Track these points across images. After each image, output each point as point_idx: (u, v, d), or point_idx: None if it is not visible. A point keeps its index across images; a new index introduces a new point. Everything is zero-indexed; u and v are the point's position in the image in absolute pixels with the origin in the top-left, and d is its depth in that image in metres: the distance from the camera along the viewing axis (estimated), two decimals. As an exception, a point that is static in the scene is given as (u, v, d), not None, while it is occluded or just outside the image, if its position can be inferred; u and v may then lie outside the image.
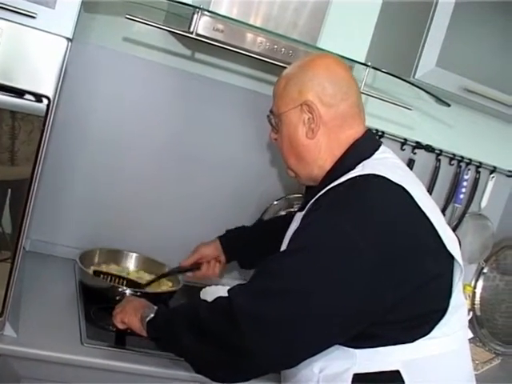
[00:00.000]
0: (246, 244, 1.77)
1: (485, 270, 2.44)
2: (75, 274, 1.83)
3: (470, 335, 1.37)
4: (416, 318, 1.20)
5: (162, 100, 1.97)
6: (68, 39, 1.47)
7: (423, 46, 1.81)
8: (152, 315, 1.37)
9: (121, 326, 1.47)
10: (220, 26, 1.57)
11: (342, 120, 1.32)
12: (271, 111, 1.41)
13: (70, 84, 1.83)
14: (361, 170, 1.24)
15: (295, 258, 1.18)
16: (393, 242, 1.16)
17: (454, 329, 1.25)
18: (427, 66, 1.83)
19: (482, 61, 1.90)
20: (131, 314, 1.44)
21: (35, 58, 1.31)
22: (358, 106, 1.35)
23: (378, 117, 2.17)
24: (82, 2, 1.50)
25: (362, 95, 1.44)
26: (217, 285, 1.98)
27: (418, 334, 1.20)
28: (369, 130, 1.37)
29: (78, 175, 1.95)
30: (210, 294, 1.88)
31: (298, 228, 1.27)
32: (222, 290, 1.86)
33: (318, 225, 1.20)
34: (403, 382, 1.19)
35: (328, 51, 1.62)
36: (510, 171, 2.43)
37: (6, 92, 1.27)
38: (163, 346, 1.38)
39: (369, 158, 1.29)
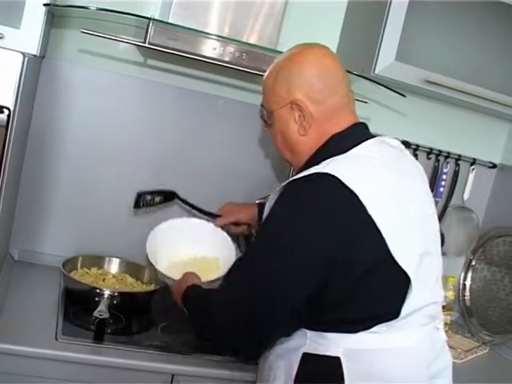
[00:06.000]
0: None
1: (473, 263, 2.46)
2: (60, 281, 1.91)
3: (443, 338, 1.39)
4: (358, 320, 1.26)
5: (133, 108, 2.08)
6: (34, 55, 1.60)
7: (381, 41, 1.87)
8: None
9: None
10: (176, 35, 1.67)
11: (332, 113, 1.34)
12: (262, 105, 1.43)
13: (43, 99, 1.96)
14: (323, 166, 1.25)
15: (249, 265, 1.31)
16: (328, 244, 1.21)
17: (403, 327, 1.27)
18: (386, 60, 1.88)
19: (442, 52, 1.95)
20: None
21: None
22: (348, 96, 1.37)
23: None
24: (46, 21, 1.63)
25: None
26: None
27: (360, 327, 1.26)
28: (356, 124, 1.38)
29: (59, 187, 2.05)
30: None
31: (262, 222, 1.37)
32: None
33: (270, 223, 1.30)
34: (341, 368, 1.25)
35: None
36: (491, 163, 2.46)
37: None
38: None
39: (341, 154, 1.29)
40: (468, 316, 2.41)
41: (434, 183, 2.37)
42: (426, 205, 1.39)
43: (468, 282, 2.46)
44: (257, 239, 1.33)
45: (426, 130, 2.37)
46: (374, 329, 1.25)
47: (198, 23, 1.74)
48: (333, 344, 1.27)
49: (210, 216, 1.95)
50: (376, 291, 1.24)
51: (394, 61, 1.89)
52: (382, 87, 1.83)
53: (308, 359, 1.29)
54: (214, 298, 1.34)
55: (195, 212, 1.99)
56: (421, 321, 1.31)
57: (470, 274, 2.46)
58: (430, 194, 1.45)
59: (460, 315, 2.45)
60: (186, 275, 1.62)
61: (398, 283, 1.24)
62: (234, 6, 1.80)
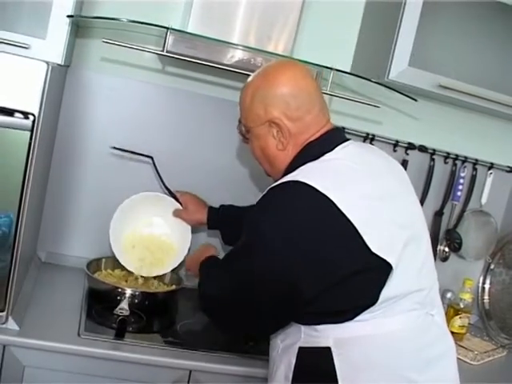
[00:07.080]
0: (229, 222, 1.94)
1: (492, 266, 2.47)
2: (84, 282, 1.98)
3: (440, 324, 1.40)
4: (338, 312, 1.30)
5: (154, 114, 2.15)
6: (58, 65, 1.68)
7: (395, 47, 1.91)
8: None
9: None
10: (193, 43, 1.73)
11: (309, 126, 1.40)
12: (240, 121, 1.50)
13: (68, 106, 2.05)
14: (296, 174, 1.32)
15: (232, 266, 1.39)
16: (304, 243, 1.25)
17: (388, 313, 1.30)
18: (400, 66, 1.92)
19: (456, 57, 1.98)
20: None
21: (21, 82, 1.49)
22: (322, 109, 1.43)
23: (347, 114, 2.27)
24: (71, 31, 1.71)
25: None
26: None
27: (346, 317, 1.30)
28: (332, 130, 1.44)
29: (83, 191, 2.14)
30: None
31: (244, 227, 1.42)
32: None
33: (248, 228, 1.36)
34: (332, 357, 1.30)
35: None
36: (509, 167, 2.46)
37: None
38: None
39: (314, 160, 1.36)
40: (487, 319, 2.42)
41: (451, 187, 2.39)
42: (403, 193, 1.43)
43: (487, 286, 2.48)
44: (240, 244, 1.37)
45: (442, 134, 2.39)
46: (359, 317, 1.28)
47: (220, 30, 1.80)
48: (323, 335, 1.31)
49: (172, 197, 2.04)
50: (356, 284, 1.27)
51: (408, 66, 1.92)
52: (396, 92, 1.86)
53: (303, 353, 1.34)
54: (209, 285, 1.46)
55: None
56: (407, 307, 1.32)
57: (488, 278, 2.48)
58: (407, 182, 1.49)
59: (479, 318, 2.46)
60: (205, 248, 1.77)
61: (379, 272, 1.27)
62: (257, 12, 1.85)
